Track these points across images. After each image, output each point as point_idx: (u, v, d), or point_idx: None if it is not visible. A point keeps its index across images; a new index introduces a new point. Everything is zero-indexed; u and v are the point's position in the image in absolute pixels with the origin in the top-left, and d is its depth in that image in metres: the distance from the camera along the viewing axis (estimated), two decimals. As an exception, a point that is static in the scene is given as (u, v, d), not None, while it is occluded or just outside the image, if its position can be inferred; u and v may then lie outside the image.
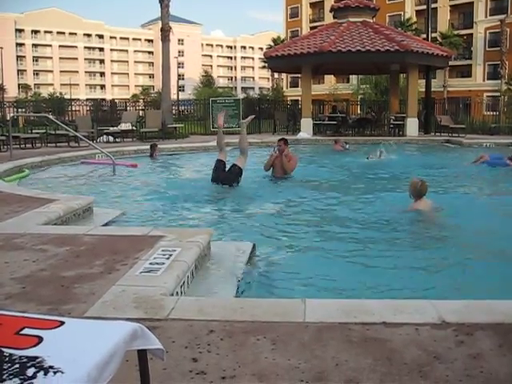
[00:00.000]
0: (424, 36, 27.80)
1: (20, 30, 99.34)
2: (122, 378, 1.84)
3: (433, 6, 34.05)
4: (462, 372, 2.38)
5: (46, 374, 1.23)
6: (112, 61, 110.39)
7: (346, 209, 7.96)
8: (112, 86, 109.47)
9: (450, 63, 31.63)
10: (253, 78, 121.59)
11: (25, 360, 1.28)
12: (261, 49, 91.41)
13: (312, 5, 72.98)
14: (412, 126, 22.57)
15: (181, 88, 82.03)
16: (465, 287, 4.47)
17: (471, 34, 57.87)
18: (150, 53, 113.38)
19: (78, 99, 35.92)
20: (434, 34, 43.90)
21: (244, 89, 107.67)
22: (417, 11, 59.49)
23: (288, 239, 6.10)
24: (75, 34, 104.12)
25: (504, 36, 53.01)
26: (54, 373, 1.24)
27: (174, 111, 27.90)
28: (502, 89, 45.69)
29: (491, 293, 4.03)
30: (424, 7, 30.66)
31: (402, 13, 61.01)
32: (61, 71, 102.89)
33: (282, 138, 10.87)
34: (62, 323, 1.48)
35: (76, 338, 1.43)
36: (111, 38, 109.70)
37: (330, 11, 26.32)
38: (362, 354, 2.55)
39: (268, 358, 2.52)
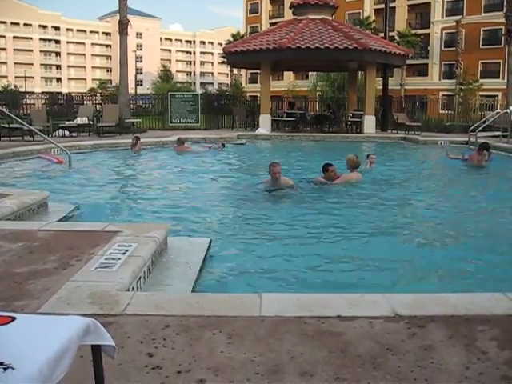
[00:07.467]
0: (382, 35, 28.23)
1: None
2: (76, 373, 1.83)
3: (391, 5, 34.55)
4: (414, 363, 2.45)
5: (-5, 370, 1.22)
6: (68, 53, 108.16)
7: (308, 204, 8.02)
8: (68, 79, 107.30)
9: (407, 62, 32.16)
10: (212, 73, 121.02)
11: (-26, 356, 1.26)
12: (220, 44, 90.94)
13: (272, 1, 73.11)
14: (369, 123, 22.87)
15: (139, 82, 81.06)
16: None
17: (428, 34, 58.93)
18: (107, 46, 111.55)
19: (33, 92, 35.16)
20: (391, 33, 44.65)
21: (203, 84, 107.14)
22: (375, 10, 60.24)
23: (244, 234, 6.12)
24: (30, 25, 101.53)
25: (459, 36, 54.16)
26: (5, 369, 1.22)
27: (131, 106, 27.54)
28: (456, 88, 46.69)
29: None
30: (382, 6, 31.05)
31: (361, 11, 61.73)
32: (15, 63, 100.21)
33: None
34: (14, 319, 1.46)
35: (27, 333, 1.41)
36: (68, 30, 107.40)
37: (290, 8, 26.41)
38: (316, 347, 2.59)
39: (224, 352, 2.53)
